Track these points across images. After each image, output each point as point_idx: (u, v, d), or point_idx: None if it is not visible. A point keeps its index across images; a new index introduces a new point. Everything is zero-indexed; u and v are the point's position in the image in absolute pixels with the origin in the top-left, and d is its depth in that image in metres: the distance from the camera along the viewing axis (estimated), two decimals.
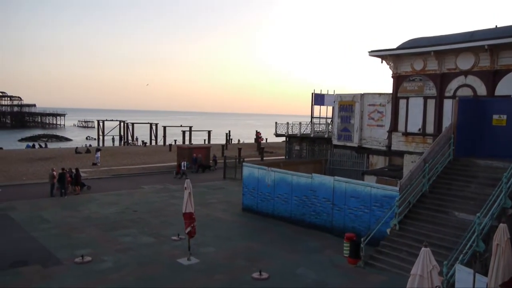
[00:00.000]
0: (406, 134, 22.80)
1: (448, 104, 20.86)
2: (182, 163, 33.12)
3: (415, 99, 22.45)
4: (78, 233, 17.19)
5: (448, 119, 20.29)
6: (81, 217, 19.83)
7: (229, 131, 77.25)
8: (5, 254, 14.51)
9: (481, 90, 19.88)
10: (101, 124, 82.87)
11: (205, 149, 39.80)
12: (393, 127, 23.49)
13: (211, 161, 37.98)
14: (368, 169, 25.07)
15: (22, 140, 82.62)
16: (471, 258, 11.91)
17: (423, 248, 7.80)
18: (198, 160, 36.14)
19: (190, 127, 73.75)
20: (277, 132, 37.86)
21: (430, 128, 21.80)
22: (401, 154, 22.94)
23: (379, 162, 25.21)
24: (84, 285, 12.03)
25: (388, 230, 14.80)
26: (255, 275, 12.80)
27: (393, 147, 23.50)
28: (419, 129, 22.21)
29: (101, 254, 14.58)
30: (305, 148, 35.11)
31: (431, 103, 21.80)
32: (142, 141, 71.77)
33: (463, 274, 10.08)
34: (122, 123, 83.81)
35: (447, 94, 21.20)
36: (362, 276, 13.14)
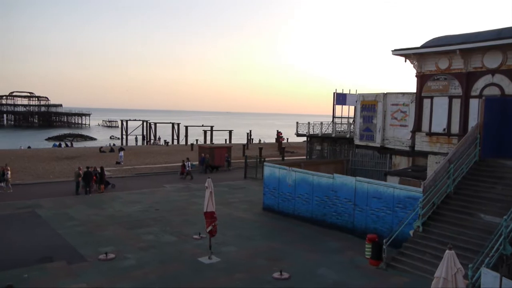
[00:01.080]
0: (430, 134, 22.37)
1: (474, 104, 20.36)
2: (187, 163, 32.55)
3: (440, 99, 22.00)
4: (102, 230, 17.55)
5: (474, 119, 19.82)
6: (105, 215, 20.24)
7: (250, 131, 77.44)
8: (33, 250, 14.94)
9: (509, 89, 19.30)
10: (124, 123, 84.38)
11: (226, 148, 40.00)
12: (417, 127, 23.08)
13: (225, 162, 37.54)
14: (391, 169, 24.70)
15: (49, 139, 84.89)
16: (497, 261, 11.62)
17: (447, 251, 7.66)
18: (206, 161, 35.75)
19: (211, 127, 74.29)
20: (298, 132, 37.69)
21: (455, 128, 21.32)
22: (425, 154, 22.53)
23: (402, 162, 24.81)
24: (108, 281, 12.27)
25: (411, 232, 14.57)
26: (276, 275, 12.79)
27: (417, 148, 23.09)
28: (444, 129, 21.76)
29: (124, 251, 14.84)
30: (326, 148, 34.84)
31: (457, 103, 21.32)
32: (165, 141, 72.69)
33: (489, 278, 9.84)
34: (145, 123, 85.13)
35: (473, 94, 20.69)
36: (384, 278, 12.97)
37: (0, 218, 19.20)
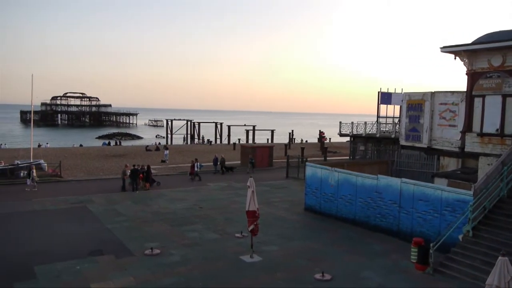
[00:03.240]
0: (481, 134, 21.36)
1: None
2: (196, 164, 31.68)
3: (492, 97, 20.96)
4: (148, 226, 18.14)
5: None
6: (151, 211, 20.91)
7: (292, 131, 77.28)
8: (84, 243, 15.71)
9: None
10: (169, 123, 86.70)
11: (268, 148, 40.16)
12: (467, 127, 22.12)
13: (249, 163, 35.84)
14: (439, 171, 23.84)
15: (99, 137, 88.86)
16: None
17: (500, 257, 7.33)
18: (219, 161, 35.28)
19: (254, 126, 74.80)
20: (341, 132, 37.19)
21: (509, 129, 20.24)
22: (475, 156, 21.54)
23: (450, 164, 23.87)
24: (153, 276, 12.68)
25: (460, 237, 14.00)
26: (318, 276, 12.69)
27: (467, 149, 22.12)
28: (497, 130, 20.71)
29: (169, 247, 15.27)
30: (370, 148, 34.13)
31: (511, 102, 20.24)
32: (208, 140, 74.00)
33: None
34: (189, 122, 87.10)
35: None
36: (431, 283, 12.54)
37: (55, 213, 20.35)
